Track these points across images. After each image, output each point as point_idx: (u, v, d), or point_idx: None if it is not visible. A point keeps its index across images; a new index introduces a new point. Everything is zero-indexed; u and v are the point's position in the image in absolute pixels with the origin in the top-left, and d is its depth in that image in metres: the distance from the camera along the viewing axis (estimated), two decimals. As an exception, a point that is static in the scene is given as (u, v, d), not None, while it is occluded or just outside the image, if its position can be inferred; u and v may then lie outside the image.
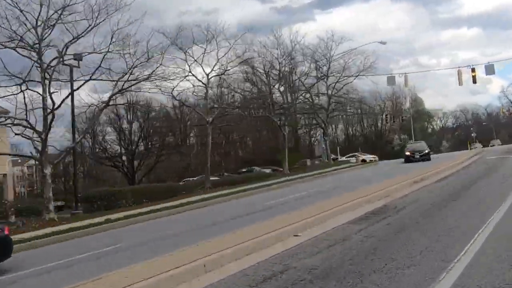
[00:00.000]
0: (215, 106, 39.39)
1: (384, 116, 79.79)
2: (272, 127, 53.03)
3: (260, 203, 18.46)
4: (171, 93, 32.72)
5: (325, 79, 44.49)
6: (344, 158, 56.97)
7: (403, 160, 39.80)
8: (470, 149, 60.34)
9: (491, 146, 78.91)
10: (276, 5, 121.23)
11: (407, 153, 38.61)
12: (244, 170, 60.22)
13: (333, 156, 60.97)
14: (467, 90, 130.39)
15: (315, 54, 44.79)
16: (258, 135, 68.13)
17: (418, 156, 36.99)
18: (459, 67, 39.62)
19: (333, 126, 76.09)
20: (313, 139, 71.94)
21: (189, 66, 32.90)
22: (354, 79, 46.40)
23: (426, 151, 37.97)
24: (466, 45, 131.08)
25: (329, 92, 45.05)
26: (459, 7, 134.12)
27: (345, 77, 44.76)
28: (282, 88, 46.21)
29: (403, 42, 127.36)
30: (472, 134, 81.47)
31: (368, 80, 57.65)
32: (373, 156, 62.25)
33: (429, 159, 36.17)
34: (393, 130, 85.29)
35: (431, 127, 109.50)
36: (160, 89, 29.90)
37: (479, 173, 19.76)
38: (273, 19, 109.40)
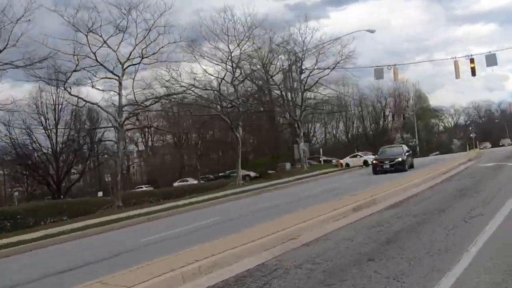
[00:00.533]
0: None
1: (383, 113, 74.09)
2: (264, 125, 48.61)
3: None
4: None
5: (298, 71, 39.09)
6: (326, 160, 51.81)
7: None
8: (472, 149, 54.83)
9: (501, 145, 73.86)
10: (289, 2, 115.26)
11: (374, 162, 31.11)
12: (221, 174, 55.64)
13: (324, 158, 55.67)
14: (483, 87, 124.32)
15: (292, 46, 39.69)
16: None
17: (387, 166, 29.04)
18: (455, 58, 34.49)
19: (311, 125, 70.16)
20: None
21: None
22: (330, 71, 40.91)
23: (400, 159, 29.43)
24: (482, 41, 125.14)
25: (303, 87, 39.74)
26: (475, 2, 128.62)
27: (320, 70, 39.38)
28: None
29: (417, 38, 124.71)
30: (471, 135, 75.51)
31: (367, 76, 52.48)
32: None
33: (403, 169, 28.53)
34: (396, 129, 79.65)
35: (442, 124, 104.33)
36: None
37: (453, 194, 14.40)
38: (286, 16, 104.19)
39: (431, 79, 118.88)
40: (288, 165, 47.91)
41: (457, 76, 34.63)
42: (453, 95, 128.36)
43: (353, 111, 76.47)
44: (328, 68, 39.19)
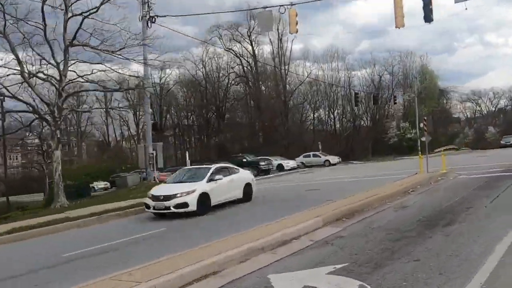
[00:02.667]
0: None
1: (355, 95, 56.80)
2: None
3: None
4: None
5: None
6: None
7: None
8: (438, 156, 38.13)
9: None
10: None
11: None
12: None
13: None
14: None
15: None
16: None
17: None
18: None
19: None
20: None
21: None
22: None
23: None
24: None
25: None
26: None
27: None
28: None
29: (468, 18, 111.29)
30: (490, 128, 58.77)
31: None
32: (338, 158, 43.02)
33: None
34: (392, 116, 62.52)
35: (479, 108, 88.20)
36: None
37: None
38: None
39: (483, 61, 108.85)
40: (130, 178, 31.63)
41: None
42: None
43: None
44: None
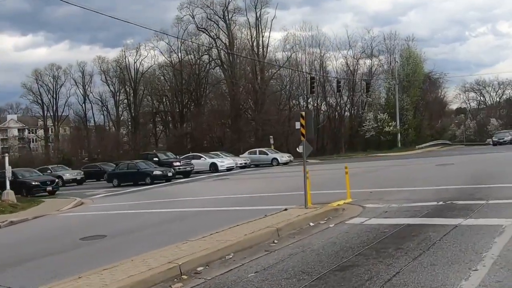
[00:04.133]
0: None
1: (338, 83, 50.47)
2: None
3: None
4: None
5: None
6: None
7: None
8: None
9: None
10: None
11: None
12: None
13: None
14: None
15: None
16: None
17: None
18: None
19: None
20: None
21: None
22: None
23: None
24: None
25: None
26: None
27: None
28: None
29: (481, 8, 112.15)
30: (492, 120, 51.52)
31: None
32: (288, 155, 37.36)
33: None
34: (371, 106, 55.57)
35: (483, 98, 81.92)
36: None
37: None
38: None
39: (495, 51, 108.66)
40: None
41: None
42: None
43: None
44: None
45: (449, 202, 11.61)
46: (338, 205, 12.65)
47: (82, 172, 35.71)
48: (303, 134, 12.27)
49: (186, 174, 31.26)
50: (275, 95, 62.84)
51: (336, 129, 56.25)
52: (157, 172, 28.35)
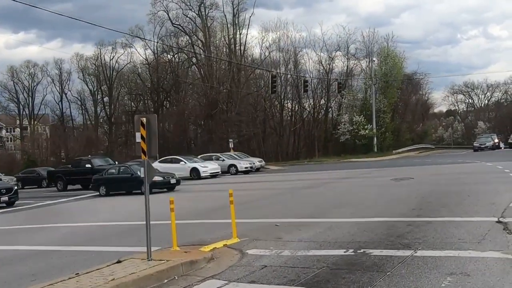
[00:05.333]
0: None
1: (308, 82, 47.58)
2: None
3: None
4: None
5: None
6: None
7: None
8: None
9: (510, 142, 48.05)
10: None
11: None
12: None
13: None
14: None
15: None
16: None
17: None
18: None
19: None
20: None
21: None
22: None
23: None
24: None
25: None
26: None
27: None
28: None
29: (474, 11, 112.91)
30: (480, 123, 48.86)
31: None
32: (259, 160, 34.61)
33: None
34: (346, 108, 52.58)
35: (471, 101, 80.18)
36: None
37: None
38: None
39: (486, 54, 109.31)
40: None
41: None
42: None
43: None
44: None
45: (361, 251, 8.12)
46: (214, 248, 9.27)
47: (15, 179, 32.63)
48: (144, 152, 9.18)
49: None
50: (252, 96, 60.05)
51: (310, 132, 53.29)
52: (157, 179, 21.95)
